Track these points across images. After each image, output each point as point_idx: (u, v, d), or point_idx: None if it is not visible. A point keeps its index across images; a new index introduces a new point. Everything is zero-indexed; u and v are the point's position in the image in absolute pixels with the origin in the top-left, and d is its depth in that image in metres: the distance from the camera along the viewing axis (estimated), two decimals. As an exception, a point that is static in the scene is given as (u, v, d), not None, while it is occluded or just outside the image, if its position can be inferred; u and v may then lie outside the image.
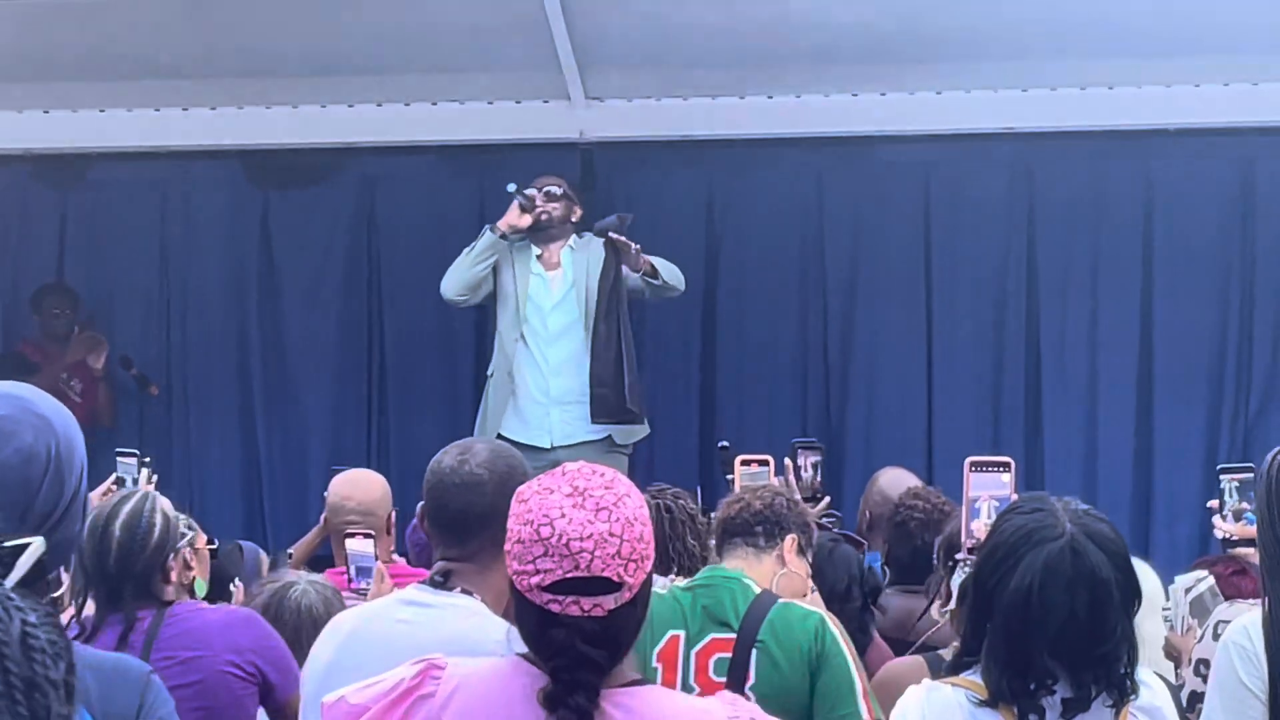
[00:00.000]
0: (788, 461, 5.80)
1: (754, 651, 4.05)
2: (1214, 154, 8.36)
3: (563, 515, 2.35)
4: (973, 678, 2.90)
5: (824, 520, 5.53)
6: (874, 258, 8.58)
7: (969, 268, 8.53)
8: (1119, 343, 8.43)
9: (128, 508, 4.21)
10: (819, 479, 5.84)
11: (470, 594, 3.23)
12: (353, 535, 5.38)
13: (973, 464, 3.99)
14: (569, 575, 2.33)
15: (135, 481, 5.81)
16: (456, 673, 2.45)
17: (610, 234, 7.39)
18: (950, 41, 7.81)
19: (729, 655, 4.08)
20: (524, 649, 2.44)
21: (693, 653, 4.12)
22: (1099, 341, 8.46)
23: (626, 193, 8.60)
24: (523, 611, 2.40)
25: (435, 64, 8.08)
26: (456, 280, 7.61)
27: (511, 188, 7.57)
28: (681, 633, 4.13)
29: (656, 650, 4.11)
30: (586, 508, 2.35)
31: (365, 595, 4.88)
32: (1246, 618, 3.22)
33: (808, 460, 5.80)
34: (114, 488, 5.88)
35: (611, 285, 7.44)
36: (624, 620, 2.38)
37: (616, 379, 7.40)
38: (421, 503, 3.39)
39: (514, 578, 2.38)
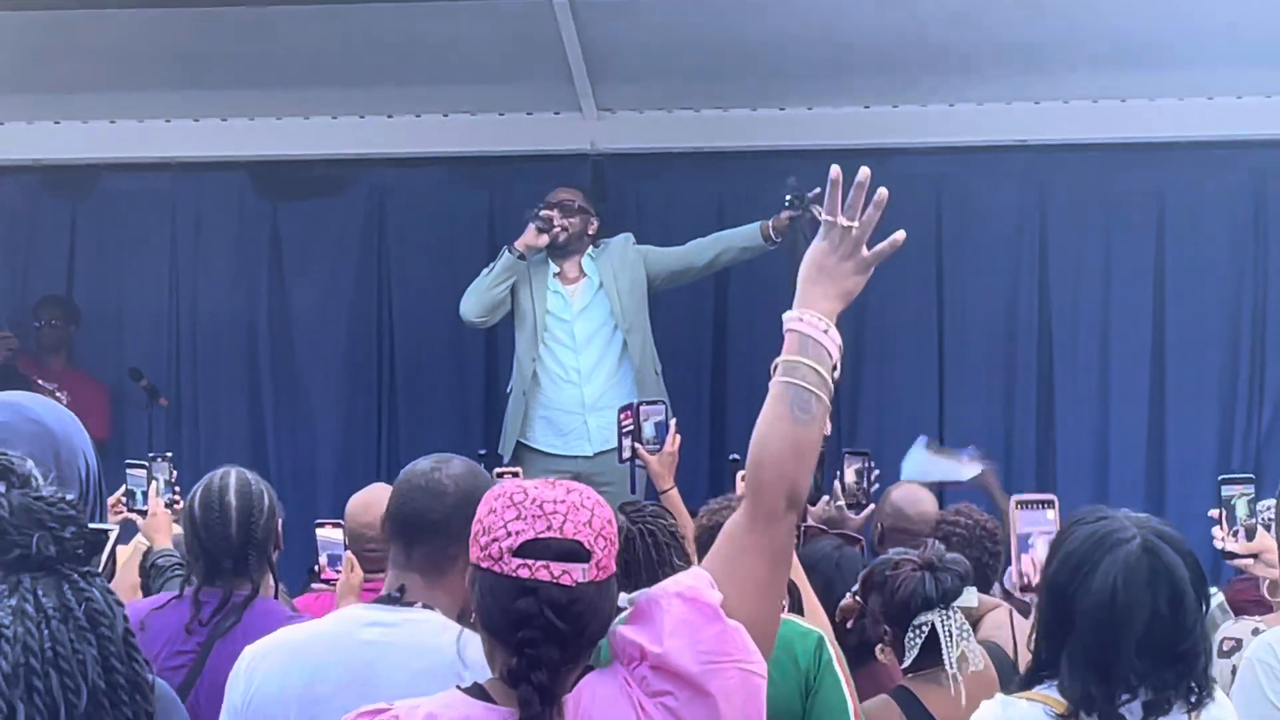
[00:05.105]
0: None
1: None
2: (1227, 166, 8.34)
3: (536, 488, 2.43)
4: (1047, 692, 2.86)
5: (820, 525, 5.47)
6: (885, 270, 8.31)
7: (981, 281, 8.50)
8: (1131, 355, 8.41)
9: (233, 479, 4.14)
10: (864, 485, 5.84)
11: (430, 608, 3.17)
12: (323, 525, 5.45)
13: (1019, 502, 4.07)
14: (541, 535, 2.37)
15: (144, 495, 5.79)
16: (400, 711, 2.43)
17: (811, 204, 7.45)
18: (963, 54, 7.80)
19: None
20: (478, 664, 2.44)
21: None
22: (1111, 354, 8.43)
23: (638, 204, 8.59)
24: (488, 592, 2.39)
25: (446, 75, 8.06)
26: (475, 303, 7.63)
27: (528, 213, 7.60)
28: None
29: None
30: (558, 488, 2.44)
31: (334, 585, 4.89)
32: (1271, 634, 3.19)
33: (850, 468, 5.81)
34: (123, 499, 5.85)
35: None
36: (590, 602, 2.38)
37: None
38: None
39: (482, 555, 2.39)
